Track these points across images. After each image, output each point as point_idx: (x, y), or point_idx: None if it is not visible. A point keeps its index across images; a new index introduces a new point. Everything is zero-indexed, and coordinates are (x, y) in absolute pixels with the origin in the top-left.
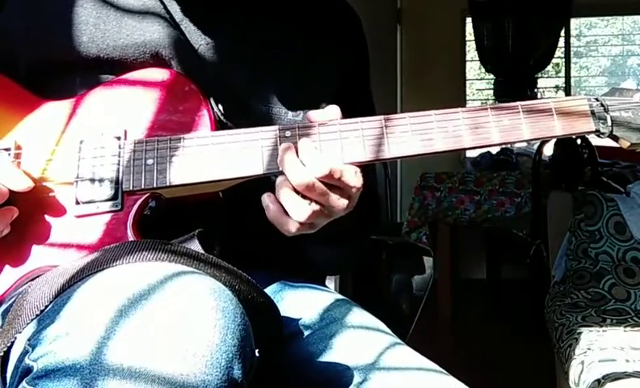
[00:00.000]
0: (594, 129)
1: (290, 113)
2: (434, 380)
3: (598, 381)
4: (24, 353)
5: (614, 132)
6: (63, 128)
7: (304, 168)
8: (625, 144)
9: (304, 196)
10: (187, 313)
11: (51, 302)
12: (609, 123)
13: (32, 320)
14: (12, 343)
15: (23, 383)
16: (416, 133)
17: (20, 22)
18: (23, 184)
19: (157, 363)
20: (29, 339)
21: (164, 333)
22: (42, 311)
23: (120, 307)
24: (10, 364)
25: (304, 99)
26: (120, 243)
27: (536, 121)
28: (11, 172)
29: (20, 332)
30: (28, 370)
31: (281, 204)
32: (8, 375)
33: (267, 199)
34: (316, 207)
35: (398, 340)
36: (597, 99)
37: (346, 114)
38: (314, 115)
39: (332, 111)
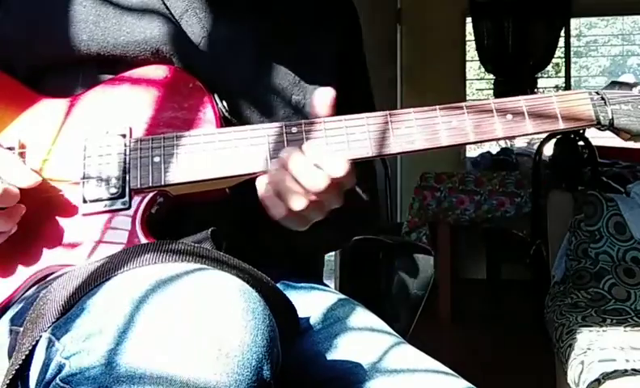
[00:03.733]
0: (595, 123)
1: (293, 98)
2: (442, 381)
3: (598, 380)
4: (54, 351)
5: (614, 125)
6: (67, 127)
7: (320, 172)
8: (625, 136)
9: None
10: (219, 314)
11: (77, 301)
12: (610, 116)
13: (58, 319)
14: (37, 341)
15: (57, 381)
16: (421, 128)
17: (19, 21)
18: (30, 180)
19: (191, 362)
20: (57, 337)
21: (197, 333)
22: (67, 310)
23: (152, 306)
24: (34, 363)
25: (306, 88)
26: (144, 243)
27: (539, 115)
28: (19, 170)
29: (45, 331)
30: (60, 368)
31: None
32: (31, 374)
33: (263, 179)
34: (314, 198)
35: (402, 340)
36: (597, 93)
37: (346, 97)
38: (318, 105)
39: (326, 93)
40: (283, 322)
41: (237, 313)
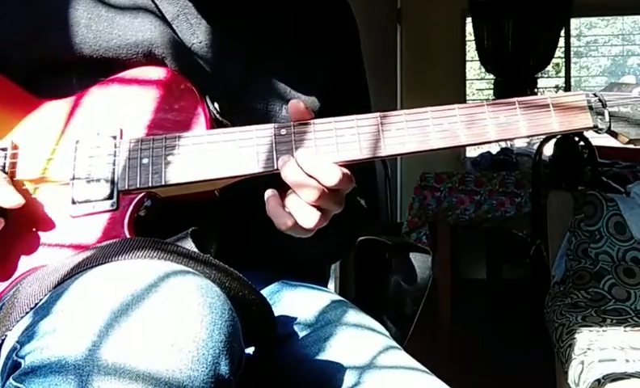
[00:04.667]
0: (592, 125)
1: (285, 109)
2: (419, 380)
3: (598, 381)
4: (13, 350)
5: (612, 128)
6: (59, 128)
7: (314, 181)
8: (623, 139)
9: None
10: (173, 309)
11: (41, 299)
12: (607, 118)
13: (22, 317)
14: (3, 340)
15: (10, 379)
16: (412, 130)
17: (11, 23)
18: (13, 201)
19: (143, 359)
20: (17, 336)
21: (150, 329)
22: (32, 308)
23: (108, 304)
24: (0, 360)
25: (299, 92)
26: (112, 241)
27: (534, 117)
28: (1, 189)
29: (10, 329)
30: (16, 366)
31: (280, 198)
32: None
33: (269, 191)
34: (320, 213)
35: (392, 343)
36: (595, 95)
37: (341, 101)
38: (296, 105)
39: (295, 105)
40: (254, 319)
41: (193, 307)
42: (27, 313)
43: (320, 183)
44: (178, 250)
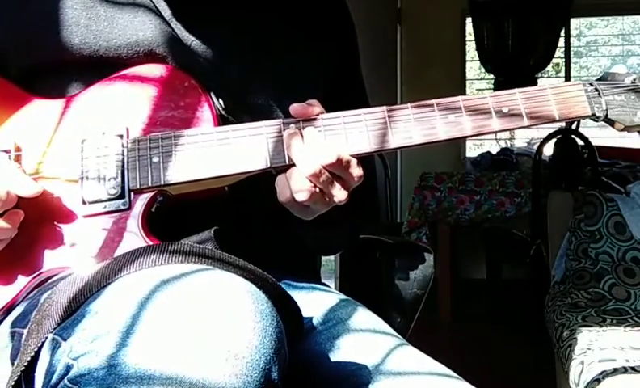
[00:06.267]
0: (590, 113)
1: (286, 104)
2: (445, 384)
3: (597, 380)
4: (61, 352)
5: (609, 116)
6: (63, 128)
7: (311, 154)
8: (619, 127)
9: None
10: (227, 315)
11: (83, 302)
12: (604, 107)
13: (64, 320)
14: (43, 342)
15: (65, 381)
16: (419, 123)
17: (8, 24)
18: (32, 190)
19: (199, 363)
20: (63, 339)
21: (206, 334)
22: (73, 311)
23: (160, 307)
24: (39, 364)
25: (300, 88)
26: (149, 245)
27: (535, 107)
28: (20, 178)
29: (52, 332)
30: (67, 369)
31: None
32: (37, 375)
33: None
34: (316, 190)
35: (404, 341)
36: (591, 84)
37: (340, 97)
38: (297, 108)
39: (316, 107)
40: (289, 324)
41: (246, 314)
42: (68, 316)
43: (317, 157)
44: (217, 255)
